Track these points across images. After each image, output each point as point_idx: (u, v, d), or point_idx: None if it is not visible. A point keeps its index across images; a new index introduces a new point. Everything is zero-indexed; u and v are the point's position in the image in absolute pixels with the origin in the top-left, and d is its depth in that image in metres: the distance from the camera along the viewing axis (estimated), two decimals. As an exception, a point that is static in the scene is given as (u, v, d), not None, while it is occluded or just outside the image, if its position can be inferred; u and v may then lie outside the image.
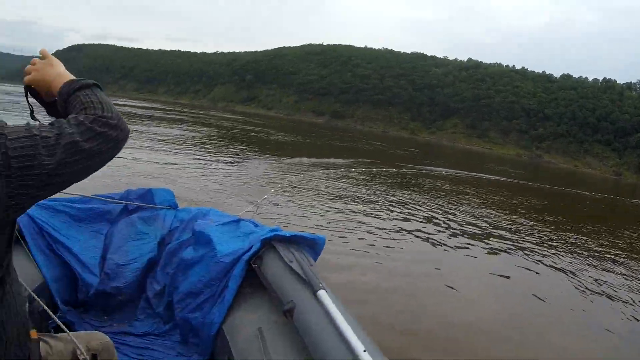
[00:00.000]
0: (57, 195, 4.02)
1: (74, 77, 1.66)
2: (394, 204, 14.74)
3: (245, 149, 25.52)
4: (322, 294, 2.52)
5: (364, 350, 1.99)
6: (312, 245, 3.25)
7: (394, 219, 12.47)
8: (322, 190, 14.96)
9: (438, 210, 14.85)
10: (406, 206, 14.73)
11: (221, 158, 20.00)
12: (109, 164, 1.53)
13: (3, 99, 38.44)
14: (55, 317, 2.21)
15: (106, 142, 1.42)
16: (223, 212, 4.27)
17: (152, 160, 16.00)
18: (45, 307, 2.30)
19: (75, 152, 1.35)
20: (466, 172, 31.05)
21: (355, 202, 14.06)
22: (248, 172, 16.80)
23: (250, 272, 3.15)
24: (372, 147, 48.42)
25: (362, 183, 18.00)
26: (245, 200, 11.54)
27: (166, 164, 16.00)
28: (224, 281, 3.17)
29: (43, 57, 1.75)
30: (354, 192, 15.79)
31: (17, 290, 1.57)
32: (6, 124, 1.40)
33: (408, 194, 17.10)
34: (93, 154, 1.40)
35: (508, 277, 9.16)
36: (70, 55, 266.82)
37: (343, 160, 25.44)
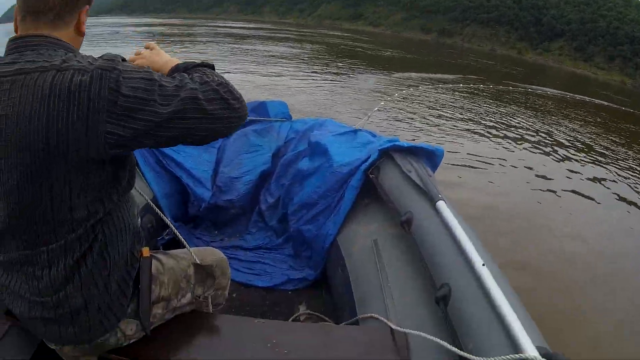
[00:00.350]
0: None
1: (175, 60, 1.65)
2: (501, 118, 14.22)
3: (354, 64, 25.41)
4: (442, 204, 2.36)
5: (483, 265, 1.86)
6: (430, 157, 3.09)
7: (502, 134, 11.97)
8: (431, 104, 14.72)
9: (544, 127, 14.17)
10: (513, 121, 14.17)
11: (330, 71, 20.12)
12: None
13: (104, 31, 39.98)
14: (175, 230, 2.14)
15: (228, 109, 1.34)
16: (339, 122, 4.14)
17: (261, 74, 16.32)
18: (166, 219, 2.21)
19: (193, 109, 1.29)
20: (570, 94, 29.64)
21: (463, 115, 13.70)
22: (358, 85, 16.78)
23: (367, 183, 3.03)
24: (479, 64, 46.83)
25: (469, 98, 17.44)
26: (355, 110, 11.64)
27: (275, 76, 16.30)
28: (340, 192, 3.07)
29: (150, 48, 1.74)
30: (462, 106, 15.40)
31: (131, 211, 1.57)
32: (124, 60, 1.35)
33: (514, 110, 16.51)
34: (211, 117, 1.32)
35: (622, 203, 8.46)
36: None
37: (451, 76, 24.93)
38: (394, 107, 12.81)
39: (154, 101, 1.25)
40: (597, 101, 29.16)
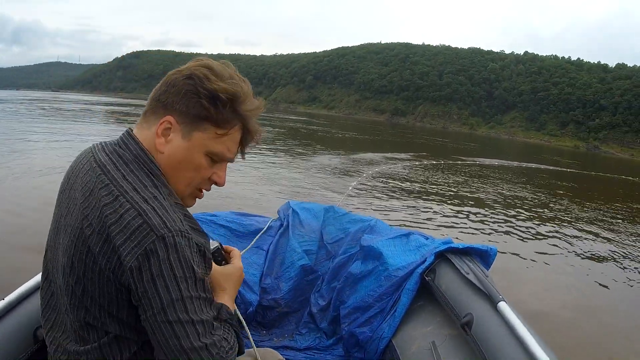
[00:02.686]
0: (216, 210, 3.95)
1: (233, 305, 1.61)
2: (443, 186, 16.78)
3: (314, 146, 28.00)
4: (503, 305, 2.38)
5: None
6: (483, 257, 3.11)
7: (446, 207, 13.33)
8: (389, 180, 16.97)
9: (477, 192, 16.65)
10: (454, 187, 16.99)
11: (293, 154, 22.22)
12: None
13: (74, 107, 40.49)
14: (247, 328, 2.11)
15: None
16: (386, 223, 4.13)
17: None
18: (242, 321, 2.28)
19: (184, 343, 1.22)
20: (517, 162, 33.29)
21: (414, 185, 16.40)
22: (322, 165, 18.84)
23: (423, 286, 3.07)
24: (432, 142, 50.50)
25: (422, 174, 20.14)
26: (329, 190, 13.24)
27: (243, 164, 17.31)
28: (395, 295, 3.09)
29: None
30: (413, 178, 18.19)
31: None
32: (172, 239, 1.22)
33: (458, 179, 19.50)
34: None
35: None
36: (129, 62, 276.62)
37: (404, 155, 28.02)
38: (363, 185, 14.60)
39: (173, 301, 1.20)
40: (542, 166, 33.62)
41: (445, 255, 3.04)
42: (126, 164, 1.30)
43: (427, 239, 3.54)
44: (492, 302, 2.44)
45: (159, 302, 1.18)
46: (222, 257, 1.69)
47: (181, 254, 1.20)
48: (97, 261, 1.20)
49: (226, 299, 1.57)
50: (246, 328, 2.01)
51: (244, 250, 3.70)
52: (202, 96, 1.32)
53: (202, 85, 1.32)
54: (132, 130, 1.40)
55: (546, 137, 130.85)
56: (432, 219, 11.22)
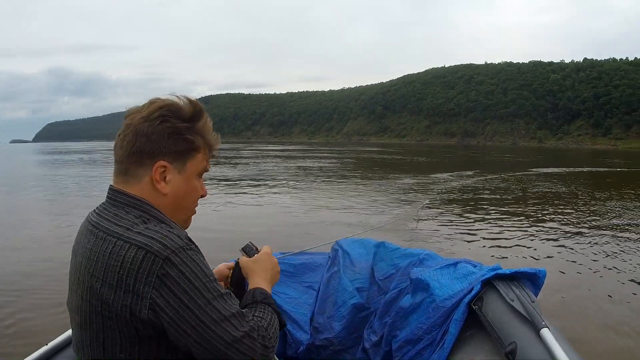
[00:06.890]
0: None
1: (267, 287, 1.68)
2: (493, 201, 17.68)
3: (390, 172, 31.35)
4: (546, 332, 2.32)
5: None
6: (532, 280, 3.04)
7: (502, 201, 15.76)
8: (455, 191, 19.94)
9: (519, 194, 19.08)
10: (507, 196, 18.94)
11: (372, 179, 25.27)
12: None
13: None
14: None
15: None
16: (438, 254, 4.04)
17: (315, 191, 20.32)
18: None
19: (220, 344, 1.30)
20: (565, 169, 35.54)
21: (477, 193, 19.32)
22: (398, 186, 21.61)
23: (471, 315, 3.01)
24: (498, 159, 53.07)
25: (483, 184, 23.00)
26: (404, 206, 15.31)
27: (326, 191, 20.26)
28: (444, 326, 3.05)
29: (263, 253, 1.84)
30: (476, 189, 20.88)
31: None
32: (189, 248, 1.35)
33: (512, 187, 21.88)
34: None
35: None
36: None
37: (470, 172, 31.12)
38: (433, 203, 16.32)
39: (203, 308, 1.28)
40: (593, 169, 36.61)
41: (493, 282, 3.00)
42: (115, 214, 1.40)
43: (475, 266, 3.49)
44: (535, 328, 2.41)
45: (194, 315, 1.26)
46: (253, 251, 1.85)
47: (191, 266, 1.29)
48: (113, 309, 1.28)
49: (259, 282, 1.69)
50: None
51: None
52: (184, 132, 1.46)
53: (179, 124, 1.45)
54: (113, 186, 1.49)
55: (612, 141, 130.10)
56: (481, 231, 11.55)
